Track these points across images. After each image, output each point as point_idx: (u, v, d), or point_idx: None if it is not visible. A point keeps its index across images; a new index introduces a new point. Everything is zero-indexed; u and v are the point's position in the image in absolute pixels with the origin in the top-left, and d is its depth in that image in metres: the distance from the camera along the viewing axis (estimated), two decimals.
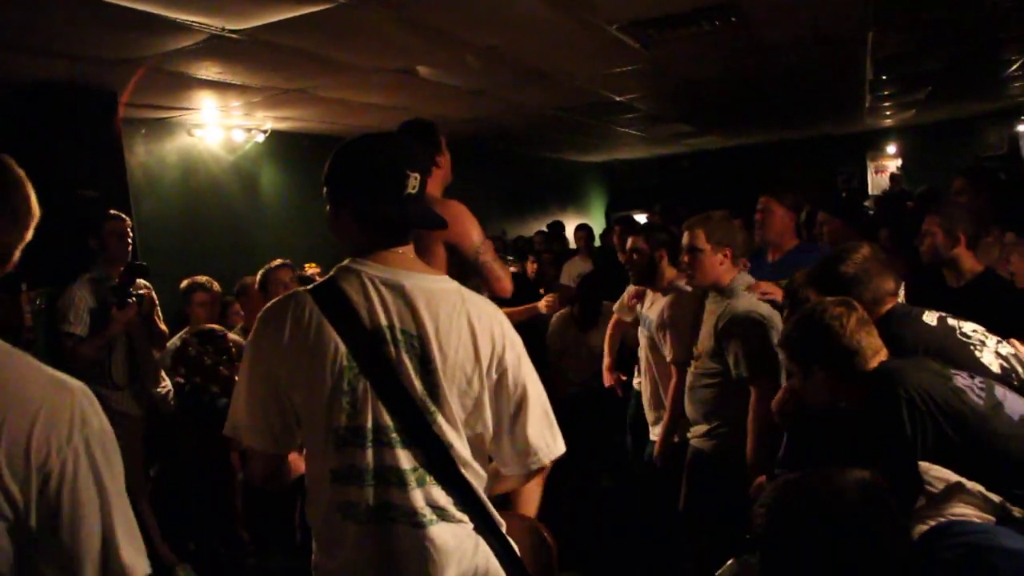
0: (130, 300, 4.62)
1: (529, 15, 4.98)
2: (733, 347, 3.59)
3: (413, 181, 1.92)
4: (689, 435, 3.96)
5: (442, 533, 1.88)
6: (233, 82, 6.11)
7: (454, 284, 2.02)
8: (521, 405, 2.00)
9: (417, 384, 1.88)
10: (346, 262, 1.98)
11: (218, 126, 7.74)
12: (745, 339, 3.56)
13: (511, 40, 5.64)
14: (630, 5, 4.99)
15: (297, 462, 2.11)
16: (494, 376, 1.96)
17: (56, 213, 5.20)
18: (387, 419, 1.86)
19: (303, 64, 5.70)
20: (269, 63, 5.60)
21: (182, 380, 5.08)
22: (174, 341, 5.09)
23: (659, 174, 17.69)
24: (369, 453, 1.86)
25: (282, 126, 8.26)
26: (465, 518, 1.93)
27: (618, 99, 8.75)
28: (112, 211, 4.94)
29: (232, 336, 5.25)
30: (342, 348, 1.86)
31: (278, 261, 5.12)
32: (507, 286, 3.31)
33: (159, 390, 5.13)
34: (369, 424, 1.86)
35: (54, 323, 4.59)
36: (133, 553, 1.45)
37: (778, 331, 3.45)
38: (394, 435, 1.86)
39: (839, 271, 2.98)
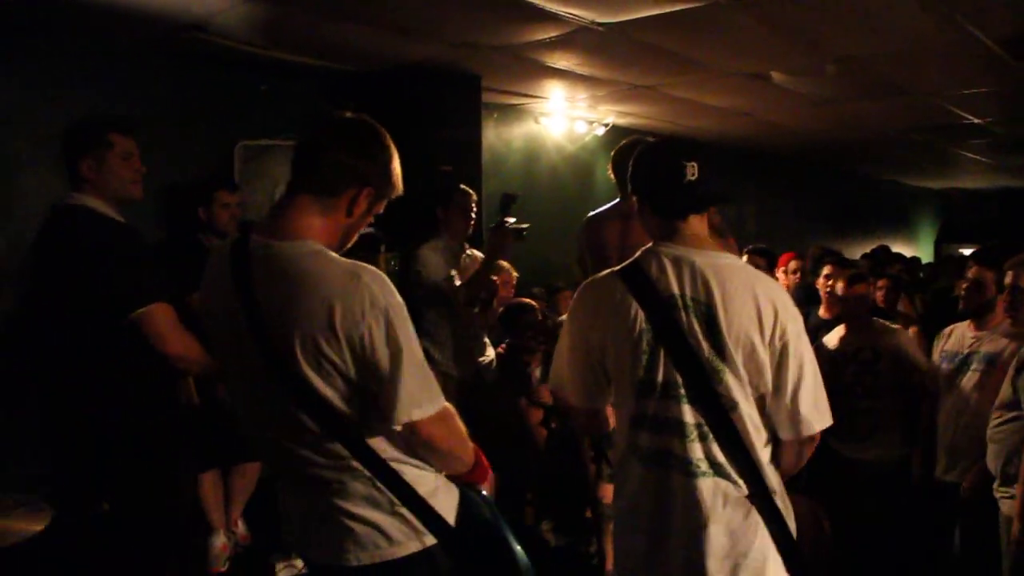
0: (511, 222, 4.77)
1: (905, 24, 4.82)
2: None
3: (691, 169, 2.18)
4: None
5: (713, 487, 2.12)
6: (585, 74, 6.30)
7: (740, 261, 2.30)
8: (800, 376, 2.15)
9: (704, 345, 2.11)
10: (648, 245, 2.28)
11: (563, 116, 7.99)
12: None
13: (875, 49, 5.47)
14: (1021, 19, 4.69)
15: (610, 416, 2.47)
16: (777, 345, 2.13)
17: (416, 184, 5.61)
18: (675, 375, 2.13)
19: (659, 61, 5.79)
20: (626, 58, 5.74)
21: (503, 350, 5.33)
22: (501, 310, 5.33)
23: (1000, 209, 16.34)
24: (659, 404, 2.16)
25: (622, 121, 8.40)
26: (740, 481, 2.14)
27: (973, 121, 8.22)
28: (461, 186, 5.23)
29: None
30: (641, 314, 2.16)
31: None
32: None
33: (483, 359, 5.37)
34: (660, 379, 2.15)
35: (406, 282, 4.91)
36: (420, 392, 1.85)
37: None
38: (680, 390, 2.13)
39: None
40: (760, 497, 2.14)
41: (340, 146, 1.94)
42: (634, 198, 2.35)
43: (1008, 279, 3.64)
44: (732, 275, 2.15)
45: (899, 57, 5.68)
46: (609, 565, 4.25)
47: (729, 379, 2.10)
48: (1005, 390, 3.56)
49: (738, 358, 2.10)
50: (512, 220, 4.78)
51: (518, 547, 2.11)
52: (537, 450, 4.92)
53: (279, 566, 4.20)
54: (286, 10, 4.69)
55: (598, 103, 7.51)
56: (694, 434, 2.11)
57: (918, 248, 15.85)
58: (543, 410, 4.91)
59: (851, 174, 13.64)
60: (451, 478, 2.08)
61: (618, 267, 2.28)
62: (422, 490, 1.94)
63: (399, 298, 1.87)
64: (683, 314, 2.12)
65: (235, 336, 1.90)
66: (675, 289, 2.14)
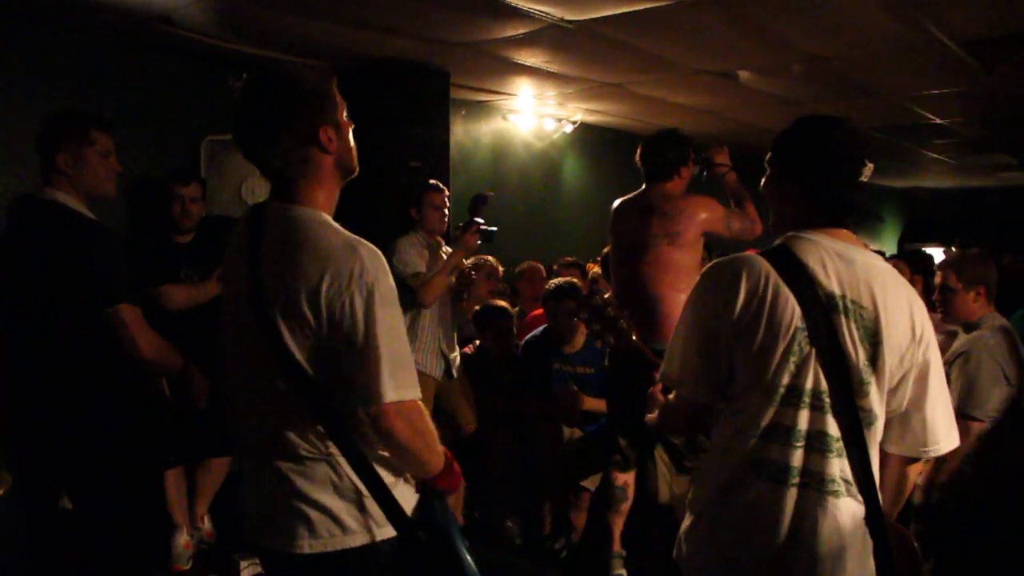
0: (479, 224, 4.79)
1: (870, 26, 4.86)
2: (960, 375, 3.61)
3: (867, 171, 2.04)
4: None
5: (847, 507, 1.95)
6: (554, 71, 6.31)
7: (889, 265, 2.09)
8: (939, 391, 2.07)
9: (861, 353, 1.96)
10: (793, 233, 2.07)
11: (531, 113, 8.00)
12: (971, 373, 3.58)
13: (842, 50, 5.51)
14: (983, 20, 4.74)
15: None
16: (920, 358, 2.03)
17: (388, 180, 5.61)
18: (824, 383, 1.95)
19: (628, 59, 5.81)
20: (594, 55, 5.75)
21: (471, 350, 5.34)
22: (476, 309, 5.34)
23: (963, 208, 16.55)
24: (804, 414, 1.96)
25: (591, 119, 8.43)
26: (861, 500, 1.98)
27: (936, 121, 8.30)
28: (432, 181, 5.22)
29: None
30: (798, 311, 1.94)
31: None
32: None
33: (453, 356, 5.36)
34: (808, 386, 1.95)
35: None
36: (388, 377, 1.79)
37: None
38: (827, 399, 1.95)
39: None
40: (875, 520, 2.00)
41: (268, 129, 1.92)
42: (772, 173, 2.18)
43: (938, 279, 3.87)
44: (890, 280, 2.02)
45: (864, 58, 5.72)
46: (616, 546, 4.30)
47: (873, 392, 1.97)
48: None
49: (888, 370, 1.98)
50: (481, 221, 4.78)
51: (468, 558, 2.01)
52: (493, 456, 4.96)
53: (243, 564, 4.17)
54: (252, 4, 4.65)
55: (567, 100, 7.52)
56: (834, 449, 1.95)
57: (883, 244, 16.01)
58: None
59: None
60: (418, 481, 2.04)
61: (764, 250, 2.06)
62: (386, 481, 1.91)
63: (391, 280, 1.86)
64: (843, 317, 1.96)
65: (239, 296, 1.92)
66: (836, 288, 1.96)
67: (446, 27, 5.15)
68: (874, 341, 1.96)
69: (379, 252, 1.87)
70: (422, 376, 4.71)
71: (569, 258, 6.60)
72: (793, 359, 1.94)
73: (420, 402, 1.90)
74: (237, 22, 5.02)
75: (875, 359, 1.96)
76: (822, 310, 1.94)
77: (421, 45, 5.57)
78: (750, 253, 2.05)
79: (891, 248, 16.49)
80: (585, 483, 4.72)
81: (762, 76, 6.30)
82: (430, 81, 6.28)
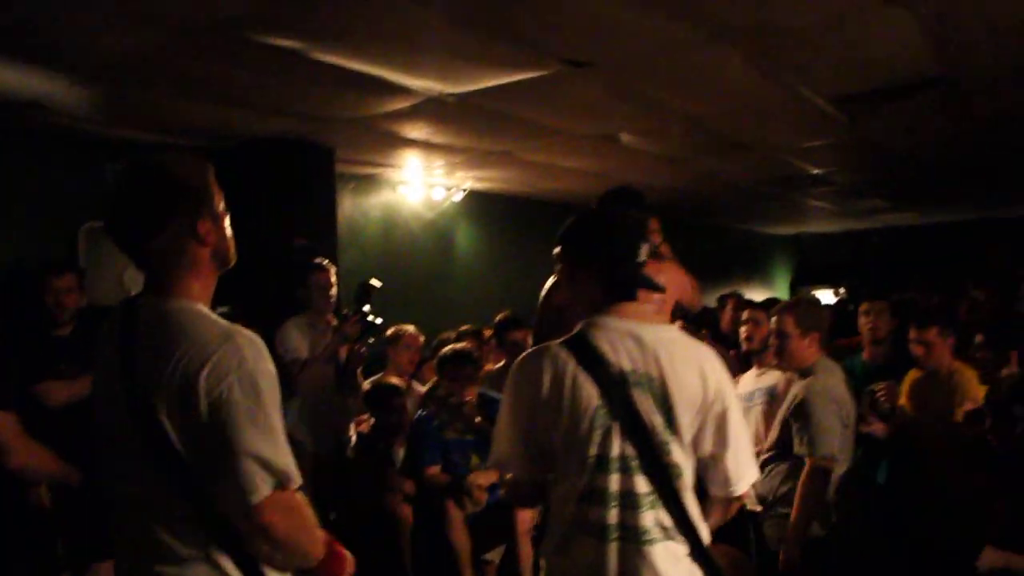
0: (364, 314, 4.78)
1: (743, 87, 5.01)
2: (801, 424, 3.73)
3: (644, 251, 2.29)
4: None
5: (663, 551, 2.16)
6: (440, 142, 6.34)
7: (680, 332, 2.37)
8: (734, 440, 2.27)
9: (657, 419, 2.17)
10: (589, 318, 2.30)
11: (420, 184, 8.01)
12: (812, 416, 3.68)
13: (718, 110, 5.67)
14: (845, 79, 4.93)
15: None
16: (716, 411, 2.24)
17: (273, 259, 5.54)
18: (630, 449, 2.16)
19: (510, 128, 5.87)
20: (478, 125, 5.80)
21: (365, 431, 5.25)
22: (366, 386, 5.26)
23: (848, 250, 17.11)
24: (614, 478, 2.17)
25: (480, 186, 8.49)
26: (683, 540, 2.20)
27: (814, 171, 8.58)
28: (318, 261, 5.16)
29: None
30: (595, 390, 2.17)
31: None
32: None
33: (346, 436, 5.28)
34: (615, 453, 2.17)
35: None
36: (263, 469, 1.75)
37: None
38: (635, 463, 2.16)
39: None
40: (699, 553, 2.22)
41: (144, 220, 1.89)
42: (564, 265, 2.42)
43: (773, 324, 4.00)
44: (677, 348, 2.24)
45: (740, 117, 5.89)
46: None
47: (676, 449, 2.19)
48: (775, 431, 3.92)
49: (684, 429, 2.19)
50: (367, 310, 4.76)
51: None
52: (401, 532, 4.84)
53: None
54: (129, 88, 4.58)
55: (455, 169, 7.55)
56: (646, 504, 2.16)
57: (775, 290, 16.40)
58: (407, 490, 4.84)
59: (709, 226, 14.07)
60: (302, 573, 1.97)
61: (562, 339, 2.29)
62: None
63: (271, 367, 1.82)
64: (636, 390, 2.18)
65: (111, 395, 1.86)
66: (627, 365, 2.19)
67: (327, 104, 5.14)
68: (666, 406, 2.18)
69: (257, 340, 1.83)
70: (310, 457, 4.72)
71: (465, 326, 6.55)
72: (598, 432, 2.17)
73: (299, 493, 1.84)
74: (112, 107, 4.93)
75: (671, 421, 2.18)
76: (617, 387, 2.18)
77: (303, 122, 5.55)
78: (552, 343, 2.28)
79: (783, 292, 16.91)
80: (489, 555, 4.65)
81: (644, 137, 6.43)
82: (314, 157, 6.25)
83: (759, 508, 3.96)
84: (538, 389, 2.23)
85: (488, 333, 6.40)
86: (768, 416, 4.51)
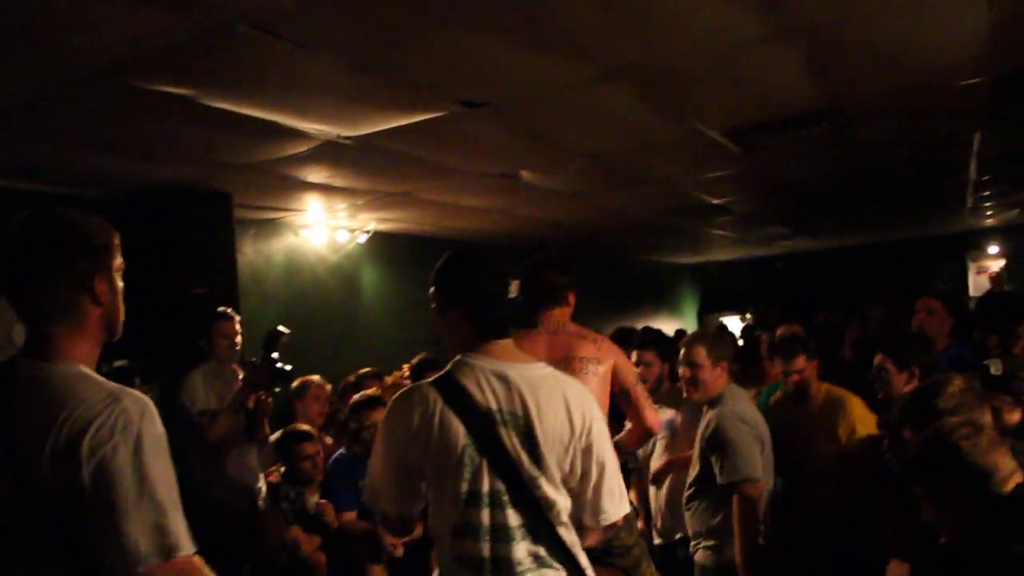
0: (273, 361, 4.69)
1: (638, 124, 5.09)
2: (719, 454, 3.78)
3: (513, 288, 2.42)
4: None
5: None
6: (340, 185, 6.30)
7: (550, 369, 2.41)
8: (602, 471, 2.37)
9: (523, 455, 2.25)
10: (459, 357, 2.37)
11: (323, 227, 7.95)
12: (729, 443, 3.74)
13: (616, 146, 5.75)
14: (736, 112, 5.05)
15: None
16: (583, 444, 2.32)
17: (172, 310, 5.38)
18: (500, 485, 2.24)
19: (410, 169, 5.86)
20: (377, 167, 5.77)
21: (275, 480, 5.14)
22: (276, 436, 5.15)
23: (753, 276, 17.52)
24: (484, 513, 2.23)
25: (384, 227, 8.45)
26: (560, 568, 2.28)
27: (714, 202, 8.77)
28: (221, 310, 5.07)
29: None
30: (462, 429, 2.23)
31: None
32: (655, 422, 3.73)
33: (257, 485, 5.16)
34: (485, 489, 2.24)
35: (171, 412, 4.66)
36: (155, 534, 1.69)
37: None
38: (505, 497, 2.23)
39: (935, 406, 2.92)
40: None
41: (37, 263, 1.85)
42: (436, 304, 2.46)
43: (682, 356, 4.05)
44: (543, 385, 2.32)
45: (638, 152, 5.97)
46: None
47: (544, 484, 2.26)
48: (695, 465, 3.96)
49: (552, 463, 2.26)
50: (276, 357, 4.68)
51: None
52: None
53: None
54: (20, 137, 4.48)
55: (358, 211, 7.51)
56: (518, 536, 2.23)
57: (684, 319, 16.67)
58: (321, 537, 4.73)
59: (616, 259, 14.24)
60: None
61: (432, 379, 2.35)
62: None
63: (160, 428, 1.78)
64: (502, 428, 2.24)
65: None
66: (493, 404, 2.25)
67: (221, 150, 5.06)
68: (532, 443, 2.25)
69: (146, 401, 1.78)
70: (218, 509, 4.60)
71: (368, 368, 6.44)
72: (467, 469, 2.23)
73: (195, 557, 1.77)
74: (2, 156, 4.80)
75: (537, 458, 2.25)
76: (483, 425, 2.24)
77: (198, 169, 5.46)
78: (422, 383, 2.35)
79: (691, 321, 17.19)
80: None
81: (543, 174, 6.49)
82: (211, 204, 6.14)
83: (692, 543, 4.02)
84: (407, 428, 2.28)
85: (389, 379, 6.32)
86: (671, 448, 4.63)
